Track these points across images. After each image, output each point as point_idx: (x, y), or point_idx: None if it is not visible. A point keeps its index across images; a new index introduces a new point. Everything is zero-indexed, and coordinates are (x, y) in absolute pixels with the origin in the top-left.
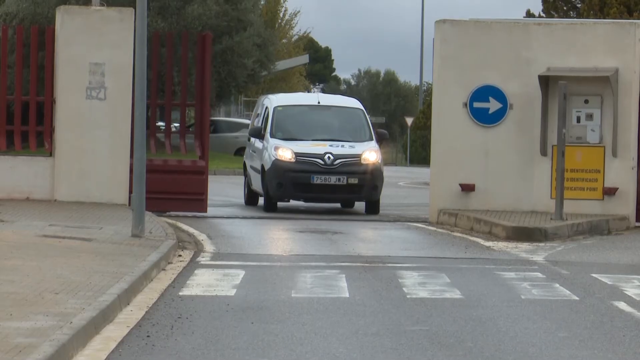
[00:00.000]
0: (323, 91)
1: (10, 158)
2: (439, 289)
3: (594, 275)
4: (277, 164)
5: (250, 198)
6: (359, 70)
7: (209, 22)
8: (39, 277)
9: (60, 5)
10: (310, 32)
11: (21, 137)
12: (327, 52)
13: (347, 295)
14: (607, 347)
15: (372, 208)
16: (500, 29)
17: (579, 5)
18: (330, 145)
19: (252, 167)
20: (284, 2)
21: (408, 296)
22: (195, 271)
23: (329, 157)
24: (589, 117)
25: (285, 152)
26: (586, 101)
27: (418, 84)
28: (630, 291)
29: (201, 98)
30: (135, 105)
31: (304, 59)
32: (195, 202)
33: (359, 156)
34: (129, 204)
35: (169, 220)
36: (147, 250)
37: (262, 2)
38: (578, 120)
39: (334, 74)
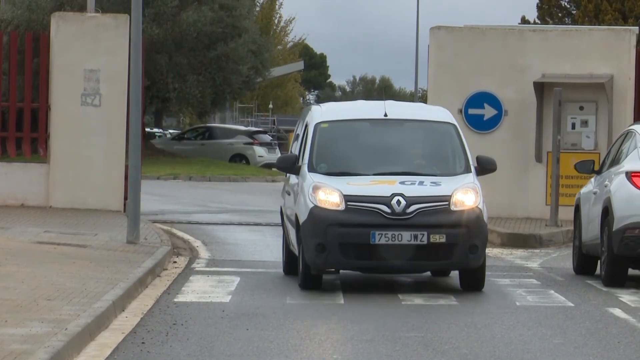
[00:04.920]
0: (318, 98)
1: (5, 164)
2: (434, 295)
3: (588, 281)
4: (317, 215)
5: (291, 263)
6: (354, 76)
7: (204, 28)
8: (34, 283)
9: (55, 11)
10: (305, 39)
11: (16, 144)
12: (322, 58)
13: (342, 301)
14: (602, 354)
15: (472, 280)
16: (495, 35)
17: (574, 12)
18: (402, 183)
19: (287, 217)
20: (278, 8)
21: (403, 302)
22: (190, 277)
23: (398, 202)
24: (584, 123)
25: (329, 194)
26: (581, 108)
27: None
28: (625, 297)
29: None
30: (130, 112)
31: (299, 65)
32: None
33: (447, 199)
34: (124, 211)
35: (164, 227)
36: (142, 256)
37: (257, 9)
38: (573, 126)
39: (329, 80)
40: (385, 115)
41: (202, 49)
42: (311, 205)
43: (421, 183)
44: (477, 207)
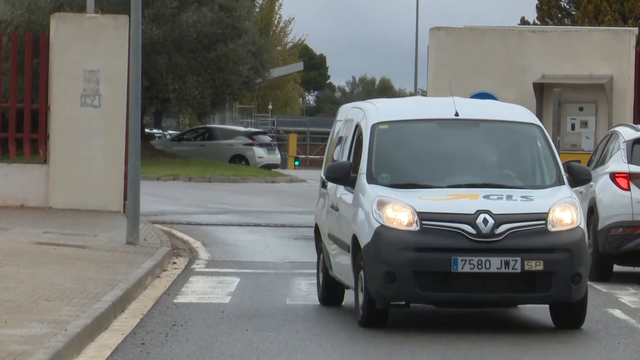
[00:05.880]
0: (318, 99)
1: (4, 165)
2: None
3: (588, 282)
4: (385, 236)
5: (330, 291)
6: (354, 77)
7: (203, 29)
8: (34, 284)
9: (54, 12)
10: (304, 40)
11: (15, 145)
12: (322, 59)
13: (342, 302)
14: (602, 354)
15: (569, 316)
16: (495, 36)
17: (573, 13)
18: (487, 198)
19: (331, 237)
20: (278, 9)
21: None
22: (190, 278)
23: (485, 221)
24: (584, 124)
25: (399, 211)
26: (581, 108)
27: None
28: (625, 299)
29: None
30: (130, 113)
31: (299, 66)
32: None
33: (543, 217)
34: (124, 211)
35: (164, 228)
36: (142, 257)
37: (257, 10)
38: (573, 127)
39: (328, 81)
40: (457, 114)
41: (201, 50)
42: (377, 225)
43: (509, 197)
44: (578, 226)
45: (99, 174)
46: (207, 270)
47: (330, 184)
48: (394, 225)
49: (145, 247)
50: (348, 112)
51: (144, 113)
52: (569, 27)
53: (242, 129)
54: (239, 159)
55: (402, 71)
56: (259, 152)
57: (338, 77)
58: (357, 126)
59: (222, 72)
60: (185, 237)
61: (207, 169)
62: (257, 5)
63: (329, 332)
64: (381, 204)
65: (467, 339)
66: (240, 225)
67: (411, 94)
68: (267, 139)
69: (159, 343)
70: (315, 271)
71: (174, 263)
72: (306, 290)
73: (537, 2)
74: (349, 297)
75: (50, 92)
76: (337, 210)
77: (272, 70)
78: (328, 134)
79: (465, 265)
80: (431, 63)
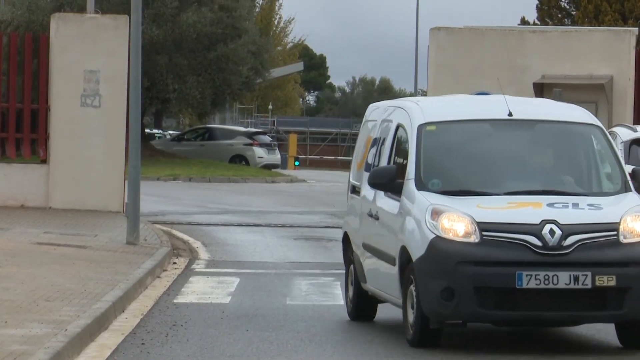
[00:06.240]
0: (318, 99)
1: (4, 165)
2: None
3: None
4: (442, 249)
5: (361, 306)
6: (354, 77)
7: (203, 29)
8: (34, 284)
9: (55, 12)
10: (305, 40)
11: (15, 145)
12: (322, 59)
13: (342, 302)
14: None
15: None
16: (495, 36)
17: (573, 13)
18: (551, 206)
19: (367, 248)
20: (278, 9)
21: None
22: (190, 278)
23: (551, 232)
24: None
25: (456, 221)
26: None
27: (413, 91)
28: None
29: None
30: (130, 113)
31: (299, 66)
32: None
33: (614, 227)
34: (124, 211)
35: (164, 228)
36: (142, 257)
37: (257, 10)
38: None
39: (328, 81)
40: (510, 114)
41: (201, 50)
42: (431, 236)
43: (576, 206)
44: None
45: (99, 174)
46: (207, 270)
47: (366, 190)
48: (451, 236)
49: (145, 247)
50: (384, 112)
51: (144, 113)
52: (569, 27)
53: (242, 129)
54: (239, 159)
55: (402, 71)
56: (259, 152)
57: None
58: (398, 127)
59: (222, 72)
60: (186, 237)
61: (207, 169)
62: (257, 5)
63: (329, 332)
64: (436, 213)
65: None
66: (240, 225)
67: (411, 94)
68: (267, 139)
69: (159, 343)
70: (314, 271)
71: (174, 263)
72: (306, 290)
73: (537, 2)
74: (382, 312)
75: (51, 92)
76: (377, 219)
77: (272, 71)
78: (328, 134)
79: (530, 280)
80: (431, 63)
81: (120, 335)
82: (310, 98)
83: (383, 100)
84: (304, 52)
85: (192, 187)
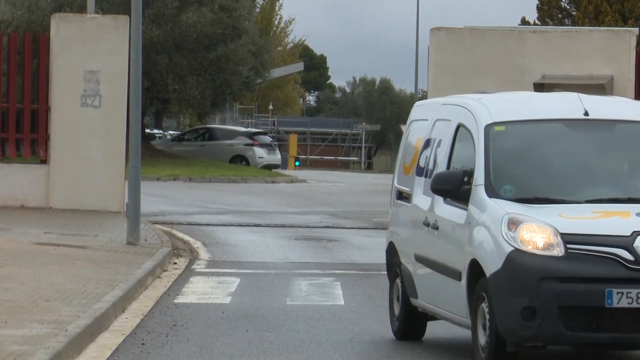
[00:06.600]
0: (318, 100)
1: (4, 166)
2: None
3: None
4: (522, 263)
5: (410, 324)
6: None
7: (203, 29)
8: (34, 284)
9: (55, 12)
10: (305, 40)
11: (15, 145)
12: (322, 59)
13: (342, 302)
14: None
15: None
16: (495, 36)
17: (574, 13)
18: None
19: (421, 260)
20: (278, 9)
21: None
22: (191, 279)
23: None
24: None
25: (537, 232)
26: None
27: (413, 91)
28: None
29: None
30: (130, 113)
31: (299, 66)
32: None
33: None
34: (124, 212)
35: (164, 228)
36: (142, 257)
37: (257, 10)
38: None
39: (328, 81)
40: (586, 113)
41: (202, 50)
42: (509, 249)
43: None
44: None
45: (100, 174)
46: (208, 270)
47: (419, 197)
48: (531, 249)
49: (145, 248)
50: (436, 111)
51: (144, 113)
52: (569, 27)
53: (242, 129)
54: (239, 160)
55: (403, 71)
56: (260, 152)
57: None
58: (459, 127)
59: (222, 73)
60: (186, 237)
61: (207, 169)
62: (258, 5)
63: (329, 332)
64: (513, 223)
65: None
66: (240, 225)
67: (411, 94)
68: (267, 139)
69: (159, 343)
70: (314, 271)
71: (175, 263)
72: (306, 291)
73: (538, 2)
74: (431, 329)
75: (51, 92)
76: (435, 228)
77: (273, 71)
78: (328, 134)
79: (621, 299)
80: (431, 63)
81: (121, 336)
82: (311, 98)
83: (382, 99)
84: (304, 52)
85: (192, 188)
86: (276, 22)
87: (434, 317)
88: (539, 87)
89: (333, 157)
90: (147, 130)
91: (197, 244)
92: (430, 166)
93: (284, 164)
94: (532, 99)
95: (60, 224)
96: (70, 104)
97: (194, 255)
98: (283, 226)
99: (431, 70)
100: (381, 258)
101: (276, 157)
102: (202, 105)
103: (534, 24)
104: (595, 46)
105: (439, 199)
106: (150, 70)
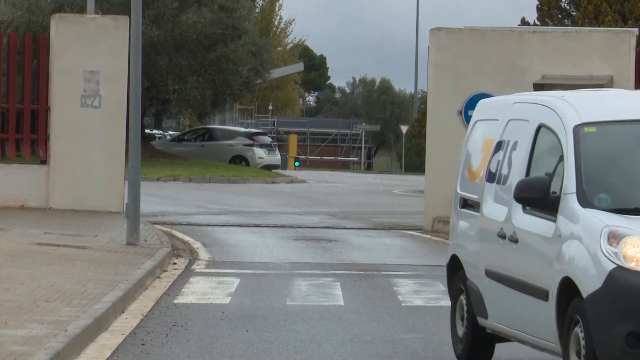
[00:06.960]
0: (318, 100)
1: (4, 166)
2: (434, 297)
3: None
4: (626, 282)
5: (477, 346)
6: (354, 78)
7: (203, 30)
8: (34, 285)
9: (55, 13)
10: (305, 40)
11: (15, 145)
12: (322, 59)
13: (342, 303)
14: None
15: None
16: (495, 37)
17: (573, 13)
18: None
19: (494, 276)
20: (278, 10)
21: (403, 304)
22: (190, 279)
23: None
24: None
25: None
26: None
27: (413, 92)
28: None
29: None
30: (130, 113)
31: (299, 66)
32: None
33: None
34: (124, 212)
35: (164, 228)
36: (142, 258)
37: (257, 10)
38: None
39: (328, 82)
40: None
41: (201, 51)
42: (611, 267)
43: None
44: None
45: (99, 174)
46: (207, 270)
47: (490, 206)
48: (636, 266)
49: (145, 248)
50: (509, 110)
51: (144, 114)
52: (569, 27)
53: (242, 129)
54: (239, 160)
55: (402, 71)
56: (259, 152)
57: (338, 78)
58: (540, 128)
59: (222, 73)
60: (186, 237)
61: (207, 170)
62: (258, 5)
63: (329, 332)
64: (615, 237)
65: None
66: (240, 225)
67: (411, 95)
68: (267, 139)
69: (159, 344)
70: (314, 271)
71: (174, 264)
72: (306, 291)
73: (538, 2)
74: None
75: (51, 92)
76: (514, 241)
77: (273, 71)
78: (328, 134)
79: None
80: (431, 63)
81: (120, 336)
82: (310, 98)
83: (382, 100)
84: (304, 53)
85: (192, 188)
86: (276, 23)
87: (503, 339)
88: (539, 87)
89: (333, 158)
90: (147, 131)
91: (196, 245)
92: (504, 171)
93: (284, 165)
94: (622, 96)
95: (60, 224)
96: (70, 105)
97: (193, 256)
98: (283, 226)
99: (431, 70)
100: (381, 258)
101: (276, 157)
102: (202, 105)
103: (534, 24)
104: (595, 46)
105: (518, 208)
106: (150, 71)
